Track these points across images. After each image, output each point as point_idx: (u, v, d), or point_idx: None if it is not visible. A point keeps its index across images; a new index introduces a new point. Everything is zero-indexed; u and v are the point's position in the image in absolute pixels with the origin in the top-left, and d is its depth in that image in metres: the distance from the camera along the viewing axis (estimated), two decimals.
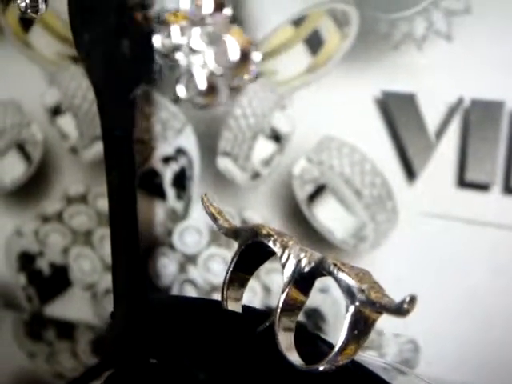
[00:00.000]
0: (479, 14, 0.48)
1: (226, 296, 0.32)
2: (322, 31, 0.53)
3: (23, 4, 0.30)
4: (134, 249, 0.31)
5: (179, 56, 0.22)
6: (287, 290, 0.28)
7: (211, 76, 0.21)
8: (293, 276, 0.28)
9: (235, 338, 0.30)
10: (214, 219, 0.33)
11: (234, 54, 0.21)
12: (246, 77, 0.21)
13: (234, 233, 0.32)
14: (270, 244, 0.29)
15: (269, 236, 0.30)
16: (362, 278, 0.26)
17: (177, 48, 0.22)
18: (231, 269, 0.31)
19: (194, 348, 0.29)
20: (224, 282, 0.32)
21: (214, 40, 0.21)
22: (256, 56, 0.21)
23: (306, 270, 0.28)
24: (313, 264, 0.27)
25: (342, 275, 0.26)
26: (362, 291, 0.25)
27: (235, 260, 0.31)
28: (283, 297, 0.28)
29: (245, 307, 0.32)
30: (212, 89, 0.21)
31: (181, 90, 0.22)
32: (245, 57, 0.21)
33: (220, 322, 0.31)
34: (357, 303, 0.25)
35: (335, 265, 0.26)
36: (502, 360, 0.52)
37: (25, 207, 0.65)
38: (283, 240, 0.29)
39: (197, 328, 0.31)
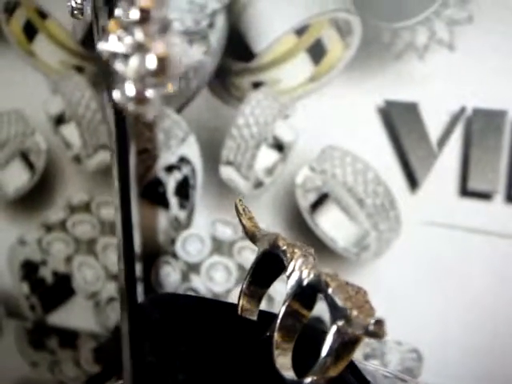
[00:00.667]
0: (481, 23, 0.48)
1: (242, 307, 0.32)
2: (324, 40, 0.53)
3: (69, 6, 0.30)
4: (130, 254, 0.31)
5: (117, 63, 0.22)
6: (288, 301, 0.28)
7: (140, 84, 0.21)
8: (295, 288, 0.28)
9: (235, 343, 0.30)
10: (242, 224, 0.33)
11: (151, 63, 0.21)
12: (170, 87, 0.21)
13: (254, 239, 0.32)
14: (281, 255, 0.29)
15: (281, 247, 0.30)
16: (352, 297, 0.25)
17: (114, 55, 0.22)
18: (248, 278, 0.32)
19: (191, 350, 0.29)
20: (241, 292, 0.32)
21: (139, 49, 0.21)
22: (178, 67, 0.21)
23: (305, 283, 0.27)
24: (311, 278, 0.27)
25: (329, 292, 0.26)
26: (345, 311, 0.25)
27: (252, 269, 0.31)
28: (284, 308, 0.28)
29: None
30: (143, 97, 0.21)
31: (116, 96, 0.22)
32: (163, 66, 0.21)
33: (224, 325, 0.31)
34: (338, 322, 0.25)
35: (325, 281, 0.26)
36: (504, 368, 0.51)
37: (28, 216, 0.65)
38: (293, 251, 0.29)
39: (199, 329, 0.31)
